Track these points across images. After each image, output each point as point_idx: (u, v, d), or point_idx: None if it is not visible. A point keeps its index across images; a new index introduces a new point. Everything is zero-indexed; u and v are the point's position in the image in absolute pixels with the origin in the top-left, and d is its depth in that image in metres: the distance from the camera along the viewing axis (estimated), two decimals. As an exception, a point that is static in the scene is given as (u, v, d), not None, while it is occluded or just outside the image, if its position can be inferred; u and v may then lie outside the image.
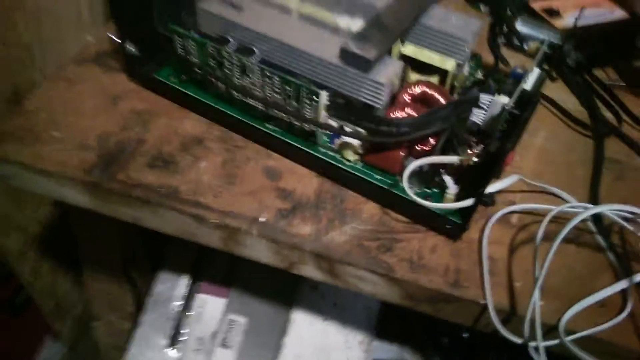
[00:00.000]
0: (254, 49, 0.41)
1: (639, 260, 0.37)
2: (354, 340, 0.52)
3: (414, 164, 0.35)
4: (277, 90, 0.39)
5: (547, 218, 0.35)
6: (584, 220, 0.39)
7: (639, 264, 0.37)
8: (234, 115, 0.43)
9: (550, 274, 0.36)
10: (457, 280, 0.36)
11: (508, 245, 0.38)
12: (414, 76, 0.41)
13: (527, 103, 0.35)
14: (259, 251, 0.39)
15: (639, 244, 0.38)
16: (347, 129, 0.39)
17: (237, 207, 0.39)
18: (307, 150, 0.41)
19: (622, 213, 0.37)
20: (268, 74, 0.38)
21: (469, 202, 0.35)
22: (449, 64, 0.40)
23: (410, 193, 0.35)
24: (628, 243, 0.39)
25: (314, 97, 0.38)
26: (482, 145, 0.34)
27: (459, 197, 0.37)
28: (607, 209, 0.36)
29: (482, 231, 0.38)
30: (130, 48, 0.44)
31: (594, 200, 0.41)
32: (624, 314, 0.34)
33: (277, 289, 0.57)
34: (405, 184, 0.35)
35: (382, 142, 0.37)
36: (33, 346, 0.95)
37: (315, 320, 0.53)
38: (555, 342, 0.33)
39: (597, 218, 0.39)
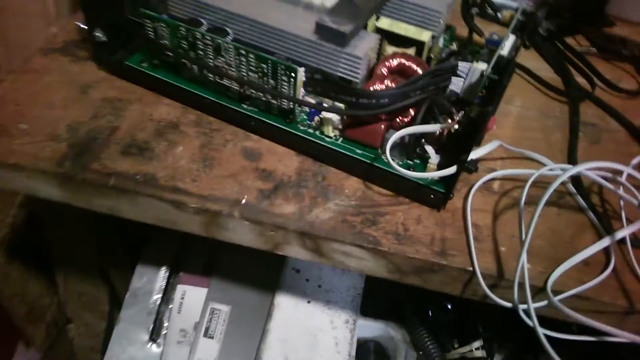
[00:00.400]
0: (227, 30, 0.40)
1: (619, 218, 0.38)
2: (339, 320, 0.52)
3: (396, 135, 0.35)
4: (252, 69, 0.38)
5: (529, 182, 0.35)
6: (564, 183, 0.40)
7: (619, 222, 0.38)
8: (209, 97, 0.42)
9: (534, 237, 0.37)
10: (443, 249, 0.36)
11: (492, 211, 0.38)
12: (390, 49, 0.41)
13: (504, 69, 0.35)
14: (242, 234, 0.38)
15: (618, 203, 0.39)
16: (326, 105, 0.39)
17: (217, 190, 0.38)
18: (286, 128, 0.40)
19: (601, 172, 0.38)
20: (243, 52, 0.38)
21: (451, 169, 0.35)
22: (424, 35, 0.40)
23: (393, 164, 0.35)
24: (607, 202, 0.40)
25: (291, 74, 0.37)
26: (462, 113, 0.34)
27: (441, 167, 0.37)
28: (585, 168, 0.36)
29: (465, 199, 0.38)
30: (99, 35, 0.43)
31: (573, 162, 0.42)
32: (608, 271, 0.35)
33: (260, 274, 0.57)
34: (387, 155, 0.34)
35: (362, 116, 0.37)
36: (6, 354, 0.92)
37: (299, 302, 0.52)
38: (544, 303, 0.34)
39: (576, 180, 0.40)
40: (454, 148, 0.36)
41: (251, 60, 0.38)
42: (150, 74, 0.43)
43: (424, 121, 0.36)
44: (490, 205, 0.39)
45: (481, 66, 0.35)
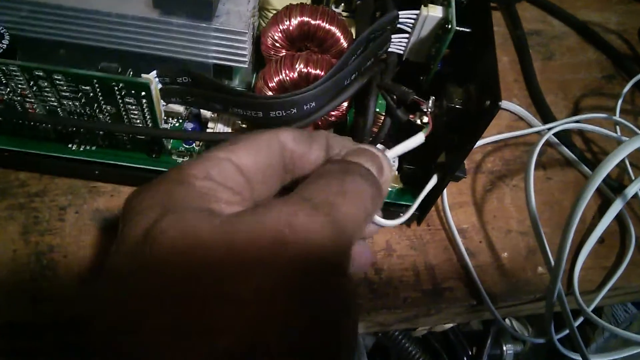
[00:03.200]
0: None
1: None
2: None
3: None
4: (66, 95, 0.22)
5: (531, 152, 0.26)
6: (541, 132, 0.31)
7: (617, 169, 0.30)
8: (4, 147, 0.25)
9: (529, 218, 0.28)
10: (435, 283, 0.26)
11: (472, 201, 0.28)
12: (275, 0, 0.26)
13: (476, 10, 0.23)
14: None
15: (604, 145, 0.30)
16: (215, 127, 0.24)
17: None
18: (155, 168, 0.25)
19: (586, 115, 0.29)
20: (41, 73, 0.21)
21: (431, 183, 0.23)
22: (321, -33, 0.26)
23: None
24: (594, 145, 0.31)
25: (140, 92, 0.21)
26: (432, 99, 0.22)
27: (406, 173, 0.25)
28: (563, 126, 0.27)
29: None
30: None
31: (537, 97, 0.32)
32: (631, 251, 0.27)
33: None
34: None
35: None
36: None
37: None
38: (580, 320, 0.26)
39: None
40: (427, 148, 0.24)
41: (59, 83, 0.21)
42: None
43: (364, 107, 0.24)
44: (467, 191, 0.29)
45: (435, 12, 0.23)
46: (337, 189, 0.15)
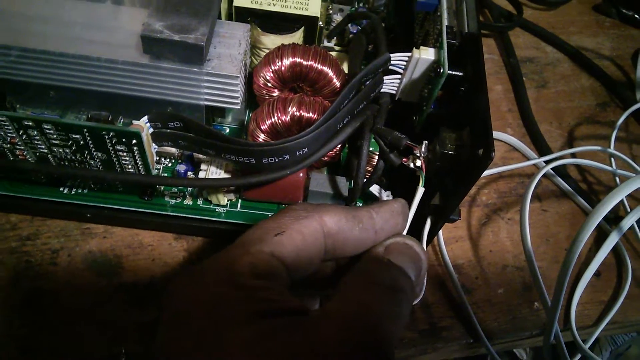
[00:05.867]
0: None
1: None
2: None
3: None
4: (56, 142, 0.22)
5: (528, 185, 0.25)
6: (537, 165, 0.31)
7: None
8: (-5, 191, 0.25)
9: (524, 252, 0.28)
10: (431, 322, 0.25)
11: (467, 235, 0.28)
12: (267, 40, 0.26)
13: (467, 53, 0.22)
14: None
15: (612, 179, 0.30)
16: (208, 169, 0.24)
17: None
18: (147, 210, 0.25)
19: (582, 148, 0.29)
20: (30, 123, 0.21)
21: (426, 226, 0.23)
22: (313, 5, 0.26)
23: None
24: (590, 176, 0.31)
25: (131, 140, 0.21)
26: (425, 143, 0.22)
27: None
28: (560, 162, 0.27)
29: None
30: None
31: (531, 128, 0.32)
32: (628, 283, 0.27)
33: None
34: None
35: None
36: None
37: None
38: (578, 357, 0.26)
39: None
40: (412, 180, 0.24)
41: (49, 132, 0.21)
42: None
43: (357, 148, 0.24)
44: (462, 224, 0.29)
45: (427, 54, 0.23)
46: (389, 313, 0.15)
